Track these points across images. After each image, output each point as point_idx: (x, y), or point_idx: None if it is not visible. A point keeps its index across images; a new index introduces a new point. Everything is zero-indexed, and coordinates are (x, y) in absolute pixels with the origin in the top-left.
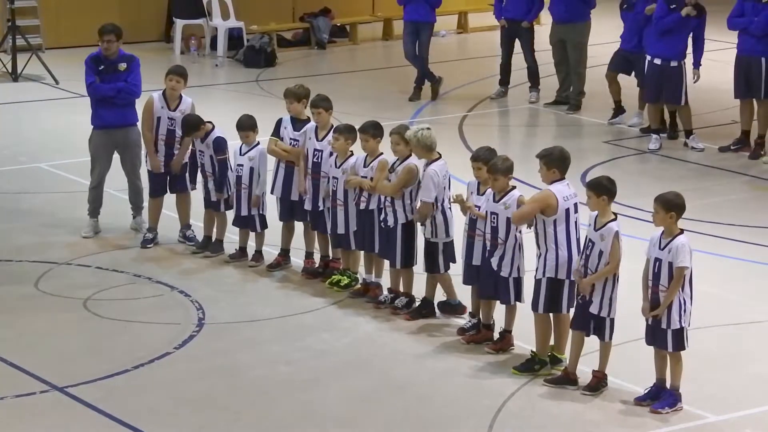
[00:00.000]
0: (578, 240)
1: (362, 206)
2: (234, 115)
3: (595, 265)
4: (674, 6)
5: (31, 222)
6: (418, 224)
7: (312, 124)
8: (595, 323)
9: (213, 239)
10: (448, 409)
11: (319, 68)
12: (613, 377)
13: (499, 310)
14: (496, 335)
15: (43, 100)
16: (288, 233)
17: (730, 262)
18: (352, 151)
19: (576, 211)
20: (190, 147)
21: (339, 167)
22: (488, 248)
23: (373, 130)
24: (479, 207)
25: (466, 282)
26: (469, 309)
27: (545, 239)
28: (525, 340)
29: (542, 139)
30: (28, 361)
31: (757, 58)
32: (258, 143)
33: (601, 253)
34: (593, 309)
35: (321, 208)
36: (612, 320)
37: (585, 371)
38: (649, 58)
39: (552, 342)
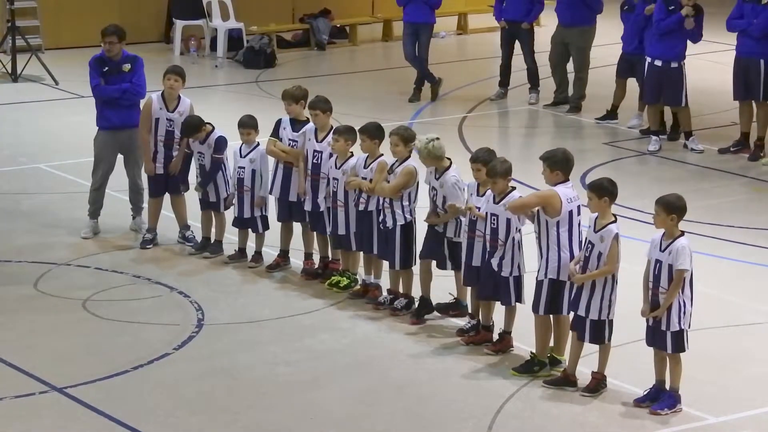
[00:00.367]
0: (580, 242)
1: (361, 207)
2: (234, 115)
3: (594, 266)
4: (673, 7)
5: (31, 223)
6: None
7: (311, 125)
8: (593, 327)
9: (212, 240)
10: (448, 409)
11: (318, 69)
12: (612, 378)
13: (498, 312)
14: (495, 336)
15: (42, 100)
16: (286, 234)
17: (730, 263)
18: (352, 152)
19: (579, 214)
20: (186, 150)
21: (339, 168)
22: (488, 249)
23: (373, 131)
24: (479, 208)
25: (466, 283)
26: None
27: (548, 241)
28: (524, 342)
29: (542, 141)
30: (28, 362)
31: (756, 60)
32: (258, 144)
33: (600, 254)
34: (592, 313)
35: (321, 209)
36: (611, 322)
37: (584, 372)
38: (649, 59)
39: (551, 343)
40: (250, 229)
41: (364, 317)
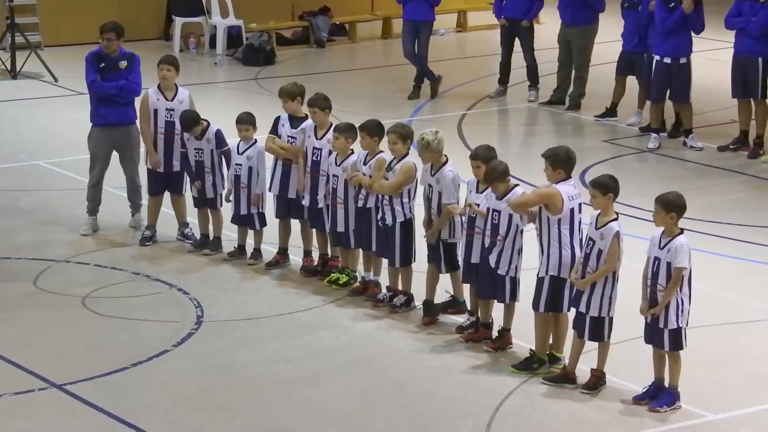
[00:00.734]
0: (581, 240)
1: (360, 204)
2: (233, 113)
3: (595, 264)
4: (673, 4)
5: (30, 219)
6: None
7: (310, 121)
8: (593, 324)
9: (212, 237)
10: (447, 407)
11: (318, 67)
12: (611, 376)
13: (497, 309)
14: (494, 334)
15: (42, 97)
16: (285, 231)
17: (729, 261)
18: (352, 150)
19: (580, 211)
20: (181, 149)
21: (339, 165)
22: (487, 245)
23: (373, 128)
24: (478, 205)
25: (464, 280)
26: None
27: (549, 238)
28: (523, 339)
29: (541, 138)
30: (27, 359)
31: (754, 58)
32: (255, 141)
33: (600, 252)
34: (593, 311)
35: (319, 206)
36: (611, 319)
37: (584, 370)
38: (657, 57)
39: (551, 341)
40: (248, 226)
41: (364, 314)
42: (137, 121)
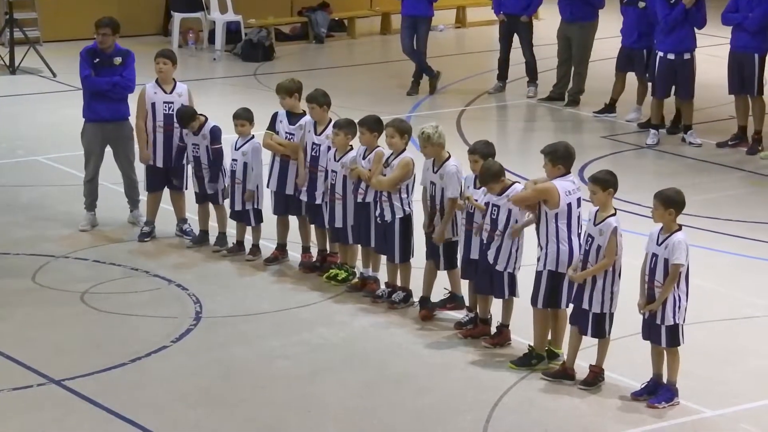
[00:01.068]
0: (579, 235)
1: (360, 199)
2: (232, 109)
3: (593, 260)
4: (674, 1)
5: (29, 215)
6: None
7: (309, 117)
8: (594, 320)
9: (218, 233)
10: (446, 403)
11: (317, 62)
12: (610, 372)
13: (496, 305)
14: (493, 330)
15: (40, 93)
16: (283, 227)
17: (728, 257)
18: (351, 146)
19: (578, 206)
20: (180, 144)
21: (338, 161)
22: (485, 241)
23: (372, 124)
24: (477, 200)
25: (463, 276)
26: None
27: (546, 233)
28: (522, 335)
29: (540, 134)
30: (25, 355)
31: (750, 54)
32: (252, 137)
33: (599, 248)
34: (594, 306)
35: (317, 201)
36: (612, 315)
37: (582, 366)
38: (661, 54)
39: (549, 337)
40: (244, 222)
41: (362, 310)
42: (131, 118)
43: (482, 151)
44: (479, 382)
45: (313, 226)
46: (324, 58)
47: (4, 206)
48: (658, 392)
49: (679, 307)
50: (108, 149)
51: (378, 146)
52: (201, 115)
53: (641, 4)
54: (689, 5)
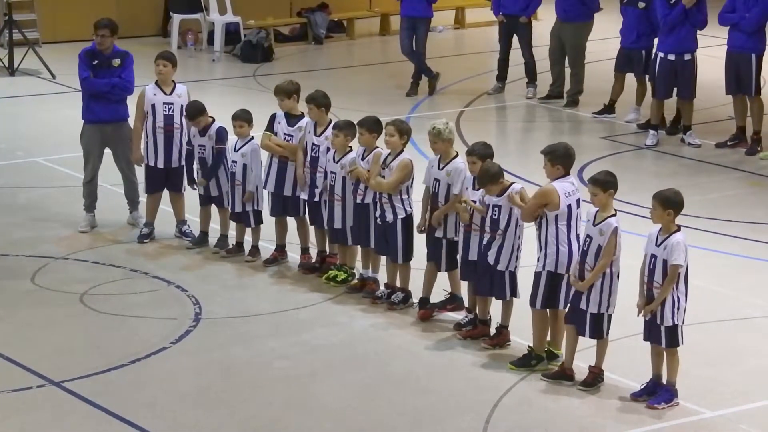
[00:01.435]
0: (578, 236)
1: (359, 200)
2: (231, 110)
3: (593, 261)
4: (674, 1)
5: (28, 216)
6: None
7: (307, 119)
8: (592, 321)
9: (219, 235)
10: (445, 404)
11: (316, 63)
12: (609, 373)
13: (495, 306)
14: (492, 331)
15: (39, 94)
16: (281, 229)
17: (727, 257)
18: (351, 147)
19: (578, 207)
20: (188, 147)
21: (337, 162)
22: (485, 241)
23: (371, 125)
24: (475, 201)
25: (463, 278)
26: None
27: (546, 234)
28: (521, 336)
29: (539, 135)
30: (25, 356)
31: (747, 55)
32: (252, 138)
33: (599, 248)
34: (592, 307)
35: (316, 199)
36: (610, 316)
37: (581, 367)
38: (662, 55)
39: (549, 338)
40: (244, 224)
41: (362, 311)
42: (129, 120)
43: (480, 153)
44: (479, 383)
45: (312, 227)
46: (323, 59)
47: (4, 207)
48: (658, 393)
49: (678, 308)
50: (107, 151)
51: (377, 147)
52: (210, 116)
53: (641, 5)
54: (689, 6)
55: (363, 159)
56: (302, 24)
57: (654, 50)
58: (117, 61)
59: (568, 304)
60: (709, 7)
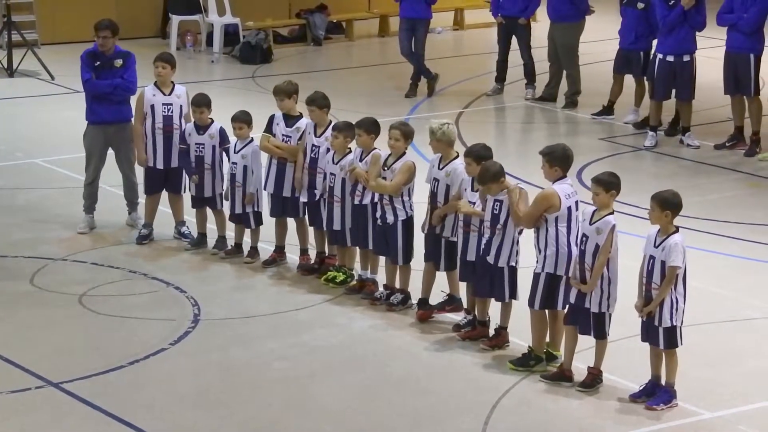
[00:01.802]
0: (577, 237)
1: (357, 201)
2: (230, 111)
3: (591, 260)
4: (672, 2)
5: (27, 218)
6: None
7: (306, 119)
8: (595, 320)
9: (217, 236)
10: (444, 405)
11: (315, 65)
12: (608, 374)
13: (494, 307)
14: (491, 332)
15: (38, 95)
16: (281, 230)
17: (726, 259)
18: (350, 149)
19: (577, 209)
20: (181, 146)
21: (336, 164)
22: (486, 238)
23: (369, 126)
24: (474, 203)
25: (462, 279)
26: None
27: (546, 236)
28: (520, 337)
29: (538, 136)
30: (23, 357)
31: (745, 55)
32: (252, 140)
33: (596, 247)
34: (593, 306)
35: (317, 198)
36: (610, 316)
37: (580, 368)
38: (661, 56)
39: (548, 339)
40: (244, 225)
41: (360, 312)
42: (133, 120)
43: (476, 155)
44: (478, 384)
45: (311, 229)
46: (322, 61)
47: (3, 208)
48: (657, 394)
49: (677, 309)
50: (110, 153)
51: (375, 148)
52: (209, 117)
53: (640, 5)
54: (687, 7)
55: (361, 160)
56: (301, 25)
57: (652, 51)
58: (119, 62)
59: (569, 305)
60: (708, 8)
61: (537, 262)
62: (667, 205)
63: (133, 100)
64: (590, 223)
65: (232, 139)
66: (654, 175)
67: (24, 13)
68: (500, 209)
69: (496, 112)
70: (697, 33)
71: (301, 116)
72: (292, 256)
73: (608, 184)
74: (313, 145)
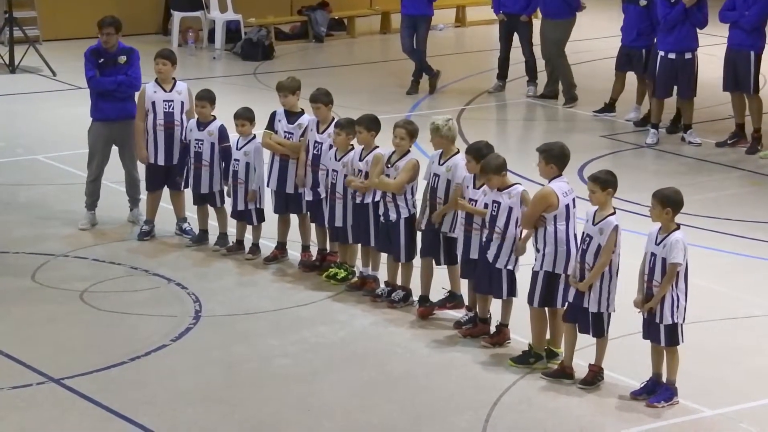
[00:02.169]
0: (576, 235)
1: (358, 200)
2: (232, 108)
3: (592, 260)
4: (674, 0)
5: (28, 214)
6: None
7: (307, 116)
8: (594, 319)
9: (218, 233)
10: (445, 402)
11: (316, 62)
12: (609, 371)
13: (495, 304)
14: (492, 329)
15: (40, 92)
16: (283, 226)
17: (727, 256)
18: (352, 145)
19: (574, 206)
20: (182, 141)
21: (339, 161)
22: (485, 239)
23: (369, 123)
24: (476, 201)
25: (463, 276)
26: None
27: (544, 234)
28: (521, 334)
29: (539, 133)
30: (25, 353)
31: (745, 52)
32: (254, 137)
33: (599, 247)
34: (592, 306)
35: (322, 196)
36: (610, 315)
37: (581, 365)
38: (662, 53)
39: (548, 336)
40: (246, 222)
41: (362, 310)
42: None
43: (476, 152)
44: (478, 382)
45: (313, 225)
46: (324, 57)
47: (4, 205)
48: (658, 391)
49: (678, 307)
50: (113, 149)
51: (376, 146)
52: (212, 114)
53: (642, 2)
54: (689, 4)
55: (361, 159)
56: (303, 22)
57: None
58: (123, 59)
59: (568, 303)
60: (710, 5)
61: (535, 260)
62: (668, 202)
63: (136, 97)
64: (593, 224)
65: (234, 136)
66: (655, 173)
67: (26, 9)
68: (498, 211)
69: (497, 110)
70: (699, 30)
71: (302, 113)
72: (294, 253)
73: (604, 182)
74: (315, 141)
